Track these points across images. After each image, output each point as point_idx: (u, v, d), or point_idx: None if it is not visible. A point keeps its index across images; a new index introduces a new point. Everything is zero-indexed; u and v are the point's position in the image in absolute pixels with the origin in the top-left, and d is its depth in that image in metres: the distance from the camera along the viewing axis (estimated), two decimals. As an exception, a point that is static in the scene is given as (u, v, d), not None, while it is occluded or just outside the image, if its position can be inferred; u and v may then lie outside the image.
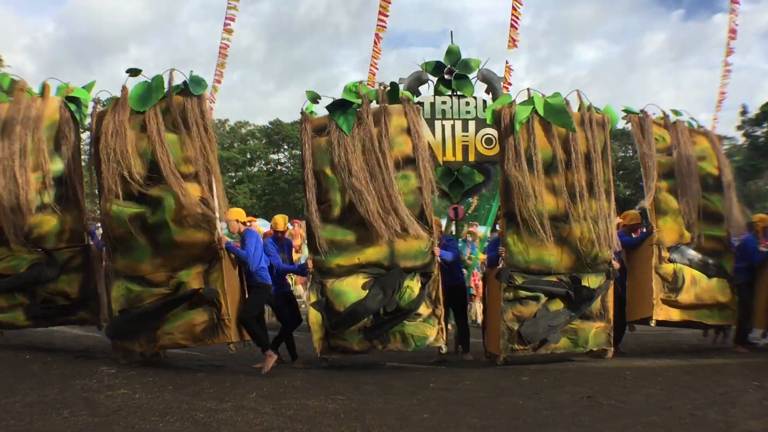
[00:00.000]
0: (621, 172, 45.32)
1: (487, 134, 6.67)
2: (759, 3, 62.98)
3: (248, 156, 46.17)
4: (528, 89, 6.20)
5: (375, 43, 9.75)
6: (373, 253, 5.74)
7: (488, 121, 6.57)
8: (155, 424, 3.83)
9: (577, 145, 5.94)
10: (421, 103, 6.56)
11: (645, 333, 8.09)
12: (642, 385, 4.93)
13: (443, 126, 6.62)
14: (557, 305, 5.82)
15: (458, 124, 6.60)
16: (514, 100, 6.13)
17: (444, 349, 5.88)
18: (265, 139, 47.03)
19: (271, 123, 46.93)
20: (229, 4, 9.04)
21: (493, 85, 6.73)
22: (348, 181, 5.72)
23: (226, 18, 9.12)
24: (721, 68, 11.23)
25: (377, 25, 9.35)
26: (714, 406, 4.27)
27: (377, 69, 10.48)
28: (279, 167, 47.01)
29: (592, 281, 5.91)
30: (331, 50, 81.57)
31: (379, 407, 4.31)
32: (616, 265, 6.09)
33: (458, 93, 6.70)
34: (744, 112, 35.28)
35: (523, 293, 5.77)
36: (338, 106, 6.00)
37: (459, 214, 6.61)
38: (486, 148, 6.69)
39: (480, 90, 6.89)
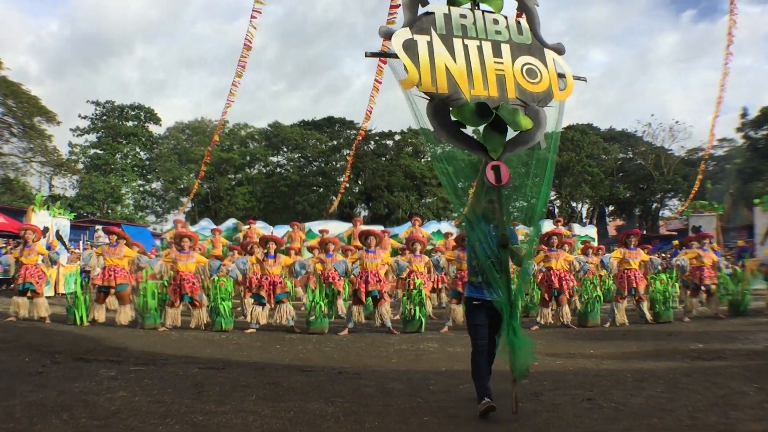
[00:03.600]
0: (621, 174, 45.40)
1: (528, 64, 4.66)
2: (767, 4, 63.20)
3: (248, 158, 46.27)
4: None
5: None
6: None
7: None
8: (155, 426, 3.83)
9: None
10: (431, 13, 4.54)
11: (645, 334, 8.10)
12: (642, 388, 4.92)
13: (466, 46, 4.51)
14: None
15: (486, 47, 4.57)
16: None
17: None
18: (264, 142, 47.09)
19: (270, 125, 47.04)
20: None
21: (526, 5, 4.89)
22: None
23: (253, 11, 9.16)
24: (720, 76, 11.43)
25: (387, 20, 9.42)
26: (714, 408, 4.26)
27: (384, 64, 10.57)
28: (278, 170, 47.06)
29: None
30: (346, 50, 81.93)
31: (378, 410, 4.29)
32: None
33: (482, 7, 4.78)
34: (744, 114, 35.39)
35: None
36: None
37: (503, 177, 4.22)
38: (530, 82, 4.60)
39: (509, 10, 4.96)
